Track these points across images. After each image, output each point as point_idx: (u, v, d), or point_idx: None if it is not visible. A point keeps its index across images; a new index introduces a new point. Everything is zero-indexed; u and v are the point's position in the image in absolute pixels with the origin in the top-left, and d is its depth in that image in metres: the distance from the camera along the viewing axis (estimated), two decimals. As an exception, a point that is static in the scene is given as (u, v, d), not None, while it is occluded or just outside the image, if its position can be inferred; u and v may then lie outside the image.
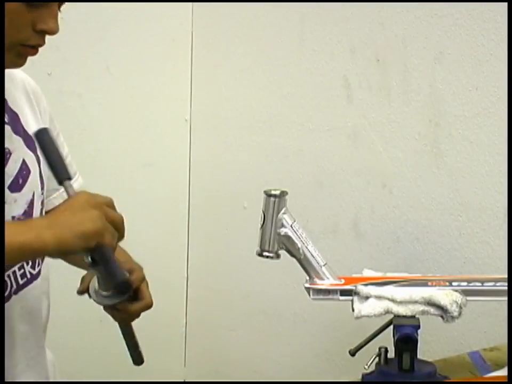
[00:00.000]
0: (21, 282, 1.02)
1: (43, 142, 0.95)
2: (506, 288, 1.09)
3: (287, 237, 1.07)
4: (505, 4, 1.62)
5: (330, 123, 2.02)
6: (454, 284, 1.10)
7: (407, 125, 1.88)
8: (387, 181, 1.92)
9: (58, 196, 1.14)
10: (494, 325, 1.59)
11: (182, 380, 2.37)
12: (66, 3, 0.98)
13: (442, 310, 1.04)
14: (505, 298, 1.08)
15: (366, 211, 1.97)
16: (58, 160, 0.93)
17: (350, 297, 1.07)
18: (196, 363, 2.35)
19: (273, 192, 1.09)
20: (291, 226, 1.07)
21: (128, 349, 1.16)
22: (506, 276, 1.12)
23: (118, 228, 0.87)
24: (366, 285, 1.06)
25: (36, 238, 0.80)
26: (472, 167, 1.75)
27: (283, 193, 1.10)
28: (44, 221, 0.87)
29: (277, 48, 2.16)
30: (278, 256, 1.09)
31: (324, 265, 1.08)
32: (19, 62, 0.93)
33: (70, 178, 0.93)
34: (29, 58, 0.95)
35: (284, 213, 1.08)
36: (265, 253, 1.09)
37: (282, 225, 1.07)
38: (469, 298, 1.08)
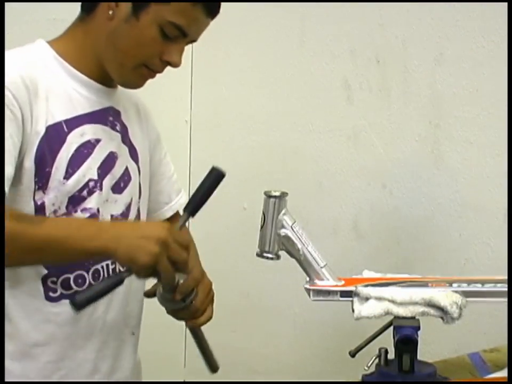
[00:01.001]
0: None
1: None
2: (506, 289, 1.09)
3: (287, 237, 1.07)
4: (505, 4, 1.62)
5: (330, 124, 2.02)
6: (454, 285, 1.10)
7: (407, 126, 1.88)
8: (387, 182, 1.92)
9: (169, 208, 1.27)
10: (494, 326, 1.59)
11: (182, 380, 2.37)
12: (72, 4, 1.01)
13: (442, 311, 1.03)
14: (505, 299, 1.08)
15: (366, 211, 1.97)
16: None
17: (350, 298, 1.07)
18: (196, 363, 2.35)
19: (273, 193, 1.10)
20: (291, 227, 1.07)
21: (202, 355, 1.25)
22: (506, 277, 1.12)
23: (180, 267, 0.95)
24: (366, 286, 1.05)
25: (100, 247, 0.90)
26: (472, 168, 1.75)
27: (283, 194, 1.10)
28: (113, 232, 0.93)
29: (277, 48, 2.16)
30: (278, 257, 1.10)
31: (323, 266, 1.08)
32: (139, 82, 1.06)
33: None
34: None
35: (284, 214, 1.08)
36: (265, 254, 1.09)
37: (283, 226, 1.08)
38: (469, 299, 1.08)
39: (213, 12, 1.07)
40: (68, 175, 0.99)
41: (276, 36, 2.15)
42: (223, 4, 1.45)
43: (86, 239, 0.90)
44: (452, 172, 1.78)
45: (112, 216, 1.08)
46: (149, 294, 1.14)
